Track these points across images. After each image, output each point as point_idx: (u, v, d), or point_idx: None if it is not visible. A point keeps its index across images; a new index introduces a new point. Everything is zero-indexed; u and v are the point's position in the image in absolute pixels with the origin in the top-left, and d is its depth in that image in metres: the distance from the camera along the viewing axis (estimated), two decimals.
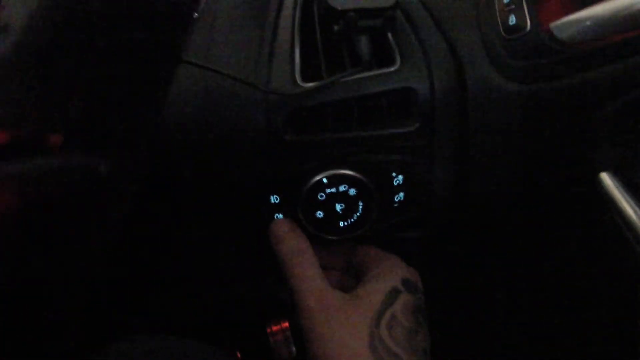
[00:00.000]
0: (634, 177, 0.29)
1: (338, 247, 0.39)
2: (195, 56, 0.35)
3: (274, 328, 0.43)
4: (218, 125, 0.33)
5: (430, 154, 0.35)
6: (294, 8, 0.39)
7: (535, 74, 0.31)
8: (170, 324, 0.51)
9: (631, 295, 0.32)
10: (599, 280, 0.41)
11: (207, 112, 0.33)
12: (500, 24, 0.33)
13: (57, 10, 0.14)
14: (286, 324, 0.43)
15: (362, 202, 0.35)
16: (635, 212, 0.28)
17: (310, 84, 0.33)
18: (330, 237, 0.36)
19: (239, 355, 0.51)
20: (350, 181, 0.34)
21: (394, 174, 0.35)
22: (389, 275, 0.35)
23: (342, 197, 0.34)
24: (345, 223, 0.36)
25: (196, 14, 0.36)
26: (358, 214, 0.35)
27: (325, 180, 0.34)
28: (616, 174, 0.30)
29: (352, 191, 0.34)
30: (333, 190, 0.34)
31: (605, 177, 0.30)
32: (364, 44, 0.34)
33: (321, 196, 0.34)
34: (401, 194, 0.36)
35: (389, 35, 0.36)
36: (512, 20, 0.32)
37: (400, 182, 0.35)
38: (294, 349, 0.42)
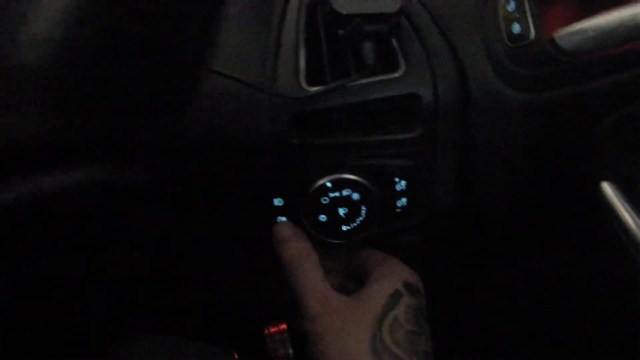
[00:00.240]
0: (635, 187, 0.30)
1: (340, 250, 0.40)
2: None
3: (272, 329, 0.43)
4: (222, 127, 0.33)
5: (433, 160, 0.35)
6: (299, 12, 0.39)
7: (538, 82, 0.32)
8: (168, 323, 0.51)
9: (629, 302, 0.33)
10: (598, 286, 0.42)
11: (212, 114, 0.33)
12: (504, 31, 0.33)
13: (98, 17, 0.14)
14: (284, 326, 0.43)
15: (365, 206, 0.35)
16: (635, 221, 0.29)
17: (315, 88, 0.33)
18: (333, 241, 0.36)
19: (236, 355, 0.51)
20: (353, 186, 0.34)
21: (396, 179, 0.35)
22: (390, 278, 0.35)
23: (346, 201, 0.35)
24: (348, 227, 0.36)
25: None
26: (361, 218, 0.35)
27: (329, 184, 0.34)
28: (617, 183, 0.30)
29: (356, 196, 0.34)
30: (337, 194, 0.34)
31: (606, 186, 0.31)
32: (369, 50, 0.34)
33: (325, 200, 0.34)
34: (404, 199, 0.36)
35: (394, 41, 0.36)
36: (516, 28, 0.32)
37: (403, 188, 0.36)
38: (291, 350, 0.42)
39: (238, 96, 0.33)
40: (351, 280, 0.39)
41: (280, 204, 0.36)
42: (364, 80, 0.33)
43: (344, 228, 0.36)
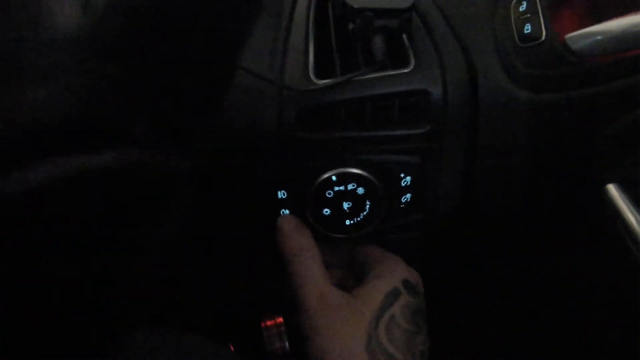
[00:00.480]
0: (639, 189, 0.30)
1: (342, 246, 0.40)
2: None
3: (268, 323, 0.43)
4: (230, 117, 0.33)
5: (439, 157, 0.35)
6: (309, 5, 0.39)
7: (547, 83, 0.32)
8: (165, 317, 0.51)
9: (630, 304, 0.33)
10: (599, 287, 0.42)
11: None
12: (515, 31, 0.33)
13: None
14: (280, 320, 0.43)
15: (369, 201, 0.35)
16: (639, 224, 0.29)
17: (324, 82, 0.33)
18: (336, 235, 0.36)
19: (232, 348, 0.51)
20: (358, 180, 0.34)
21: (402, 175, 0.35)
22: (389, 275, 0.35)
23: (350, 195, 0.35)
24: (352, 222, 0.36)
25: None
26: (365, 213, 0.35)
27: (334, 178, 0.34)
28: (623, 186, 0.31)
29: (360, 190, 0.34)
30: (341, 188, 0.34)
31: (612, 189, 0.31)
32: (379, 44, 0.34)
33: (329, 194, 0.34)
34: (408, 195, 0.36)
35: (404, 36, 0.36)
36: (528, 28, 0.32)
37: (408, 184, 0.36)
38: (287, 344, 0.42)
39: (247, 87, 0.33)
40: (352, 276, 0.39)
41: (284, 197, 0.36)
42: (373, 75, 0.33)
43: (348, 222, 0.36)
